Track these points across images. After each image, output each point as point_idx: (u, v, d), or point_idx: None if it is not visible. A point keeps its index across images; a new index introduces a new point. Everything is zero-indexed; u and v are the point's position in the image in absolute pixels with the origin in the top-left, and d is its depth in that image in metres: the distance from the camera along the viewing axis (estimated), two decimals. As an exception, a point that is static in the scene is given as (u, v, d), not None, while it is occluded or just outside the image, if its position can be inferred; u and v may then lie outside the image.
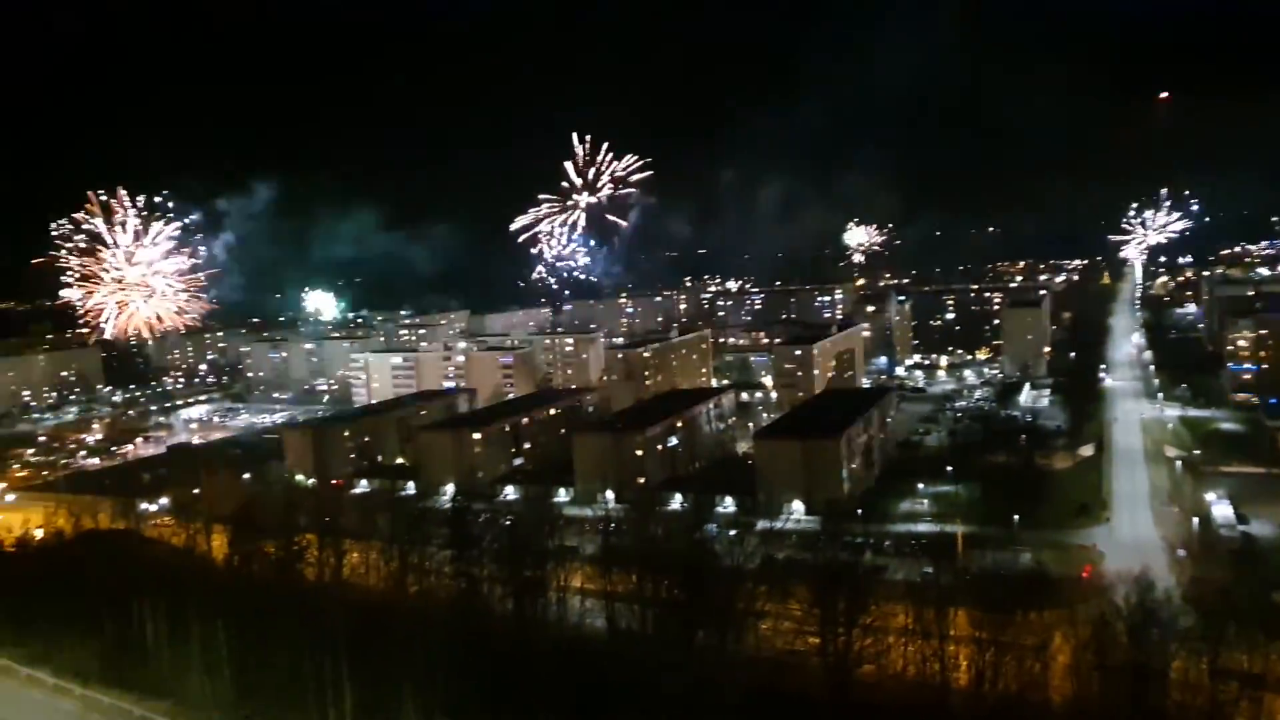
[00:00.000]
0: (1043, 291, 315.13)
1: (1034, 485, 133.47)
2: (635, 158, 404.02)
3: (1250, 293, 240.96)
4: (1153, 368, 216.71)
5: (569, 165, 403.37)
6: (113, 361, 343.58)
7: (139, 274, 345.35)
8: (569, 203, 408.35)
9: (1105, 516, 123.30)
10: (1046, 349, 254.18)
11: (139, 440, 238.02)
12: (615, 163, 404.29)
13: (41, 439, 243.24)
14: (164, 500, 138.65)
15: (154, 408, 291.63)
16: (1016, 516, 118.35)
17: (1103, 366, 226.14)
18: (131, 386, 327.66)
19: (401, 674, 62.15)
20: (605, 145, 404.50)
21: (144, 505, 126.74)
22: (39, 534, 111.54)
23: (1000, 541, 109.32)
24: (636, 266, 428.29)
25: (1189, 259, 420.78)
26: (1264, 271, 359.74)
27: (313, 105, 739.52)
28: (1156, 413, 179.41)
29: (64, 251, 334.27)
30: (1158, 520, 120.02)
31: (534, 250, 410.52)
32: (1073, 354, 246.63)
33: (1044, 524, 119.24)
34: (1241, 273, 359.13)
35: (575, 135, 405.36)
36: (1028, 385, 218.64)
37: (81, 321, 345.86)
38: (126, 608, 78.54)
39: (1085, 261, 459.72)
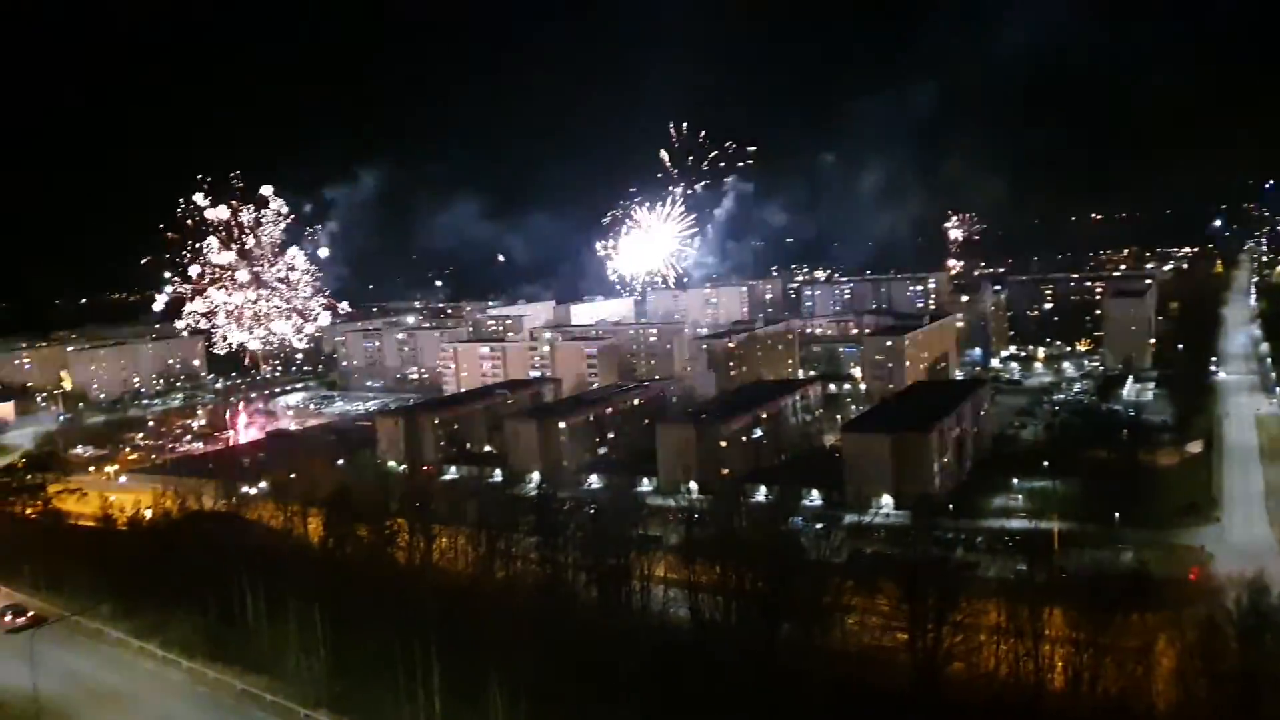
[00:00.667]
0: (1148, 280, 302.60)
1: (1137, 482, 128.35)
2: (731, 144, 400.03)
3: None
4: (1270, 361, 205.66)
5: (664, 155, 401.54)
6: (215, 351, 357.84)
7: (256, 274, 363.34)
8: (664, 193, 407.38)
9: (1215, 516, 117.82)
10: (1152, 340, 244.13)
11: (240, 426, 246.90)
12: (712, 151, 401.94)
13: (150, 424, 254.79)
14: (263, 484, 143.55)
15: (253, 395, 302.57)
16: (1117, 514, 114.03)
17: (1214, 359, 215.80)
18: (232, 374, 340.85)
19: (488, 656, 62.88)
20: (702, 133, 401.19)
21: (244, 488, 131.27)
22: (148, 514, 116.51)
23: (1100, 540, 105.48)
24: (728, 256, 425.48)
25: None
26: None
27: (422, 94, 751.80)
28: (1273, 408, 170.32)
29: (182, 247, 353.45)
30: (1273, 521, 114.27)
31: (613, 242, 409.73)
32: (1180, 346, 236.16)
33: (1148, 523, 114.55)
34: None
35: (672, 125, 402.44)
36: (1131, 378, 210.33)
37: (193, 323, 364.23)
38: (228, 586, 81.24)
39: (1195, 249, 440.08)
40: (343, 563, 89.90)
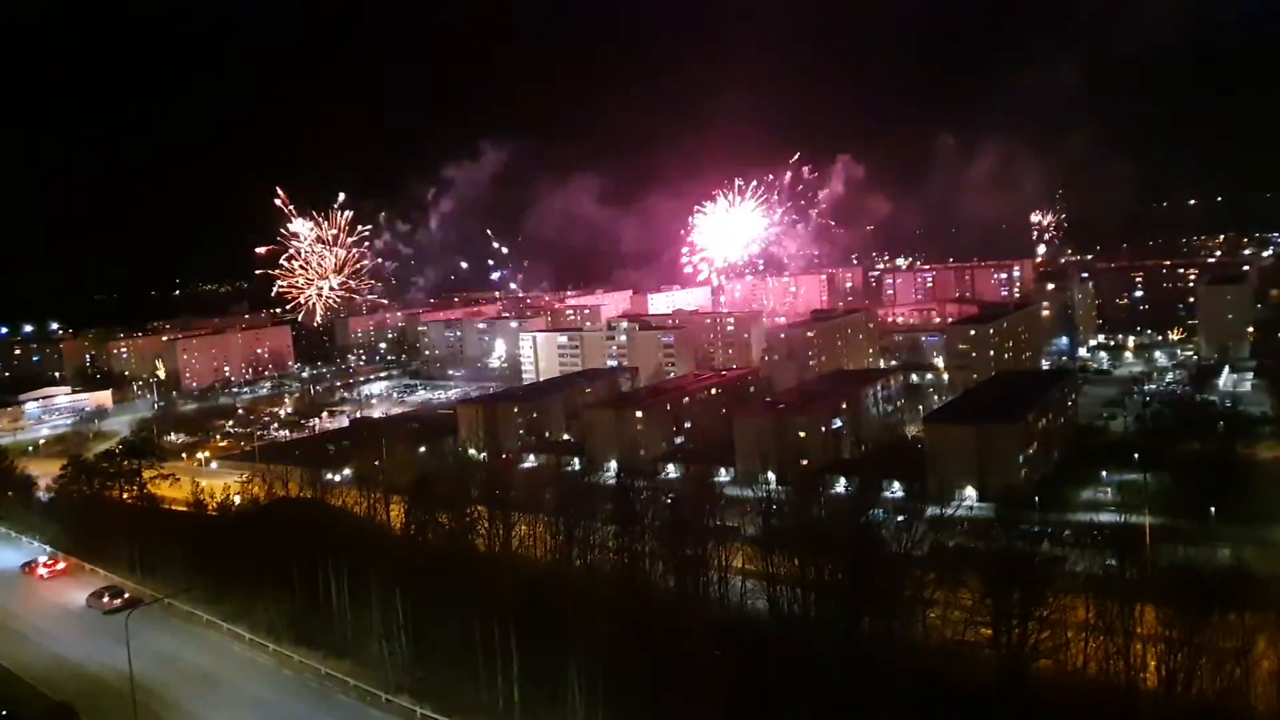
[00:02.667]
0: (1246, 267, 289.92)
1: (1234, 476, 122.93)
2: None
3: None
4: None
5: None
6: (301, 340, 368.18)
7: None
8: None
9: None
10: (1250, 329, 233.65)
11: (324, 414, 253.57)
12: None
13: (239, 411, 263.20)
14: (347, 471, 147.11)
15: (338, 384, 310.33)
16: (1213, 509, 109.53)
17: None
18: (318, 363, 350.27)
19: (566, 645, 63.36)
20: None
21: (329, 475, 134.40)
22: (236, 499, 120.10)
23: (1194, 536, 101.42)
24: (823, 242, 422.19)
25: None
26: None
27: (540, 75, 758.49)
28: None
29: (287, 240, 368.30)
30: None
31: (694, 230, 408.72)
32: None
33: (1246, 518, 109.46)
34: None
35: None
36: (1227, 368, 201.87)
37: (289, 306, 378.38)
38: (312, 571, 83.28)
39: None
40: (423, 549, 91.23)
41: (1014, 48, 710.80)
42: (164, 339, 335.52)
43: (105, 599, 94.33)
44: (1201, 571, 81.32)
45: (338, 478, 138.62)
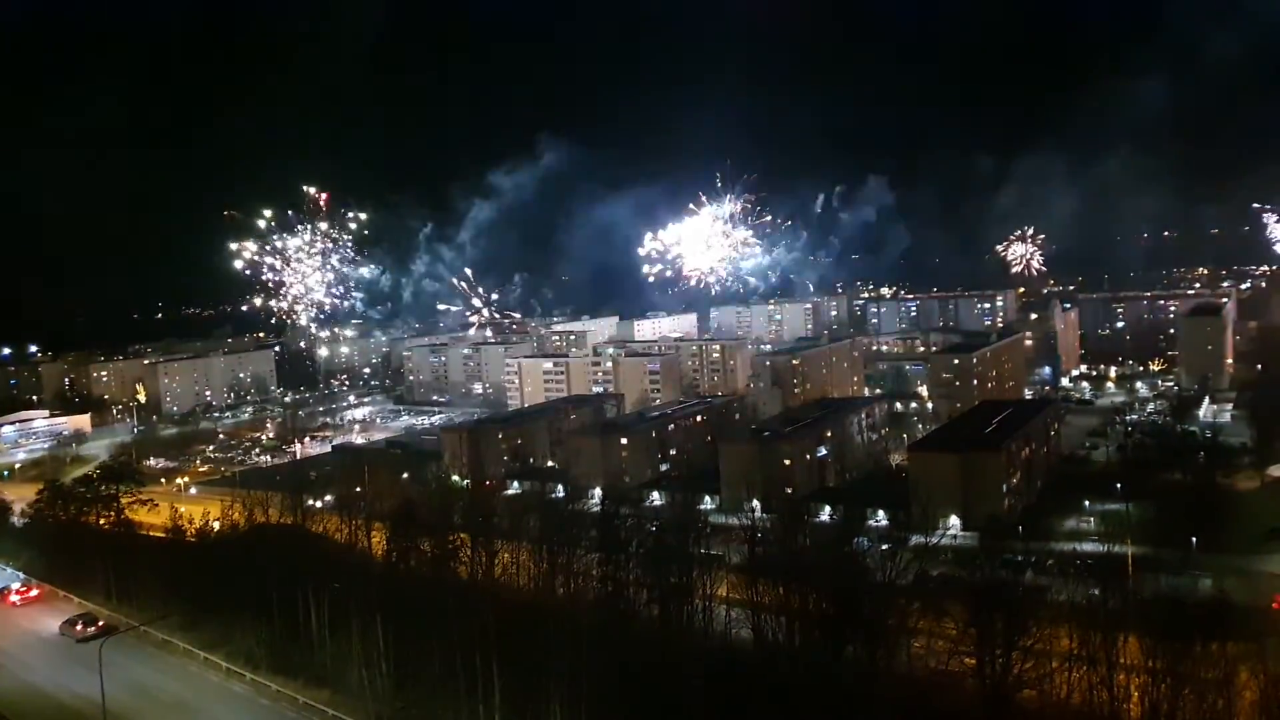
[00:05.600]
0: (1225, 299, 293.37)
1: (1215, 506, 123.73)
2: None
3: None
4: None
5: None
6: (284, 364, 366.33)
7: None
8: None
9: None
10: (1229, 360, 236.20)
11: (306, 439, 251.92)
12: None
13: (220, 436, 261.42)
14: (328, 497, 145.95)
15: (320, 409, 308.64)
16: (1195, 539, 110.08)
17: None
18: (301, 388, 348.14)
19: (549, 674, 62.76)
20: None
21: (310, 501, 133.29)
22: (216, 525, 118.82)
23: (1176, 565, 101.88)
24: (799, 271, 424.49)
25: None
26: None
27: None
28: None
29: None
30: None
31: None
32: (1260, 366, 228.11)
33: (1227, 548, 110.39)
34: None
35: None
36: (1207, 399, 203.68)
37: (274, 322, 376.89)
38: (292, 599, 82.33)
39: (1275, 267, 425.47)
40: (405, 577, 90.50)
41: (999, 80, 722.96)
42: (144, 362, 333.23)
43: (79, 627, 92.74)
44: (1184, 601, 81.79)
45: (319, 504, 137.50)
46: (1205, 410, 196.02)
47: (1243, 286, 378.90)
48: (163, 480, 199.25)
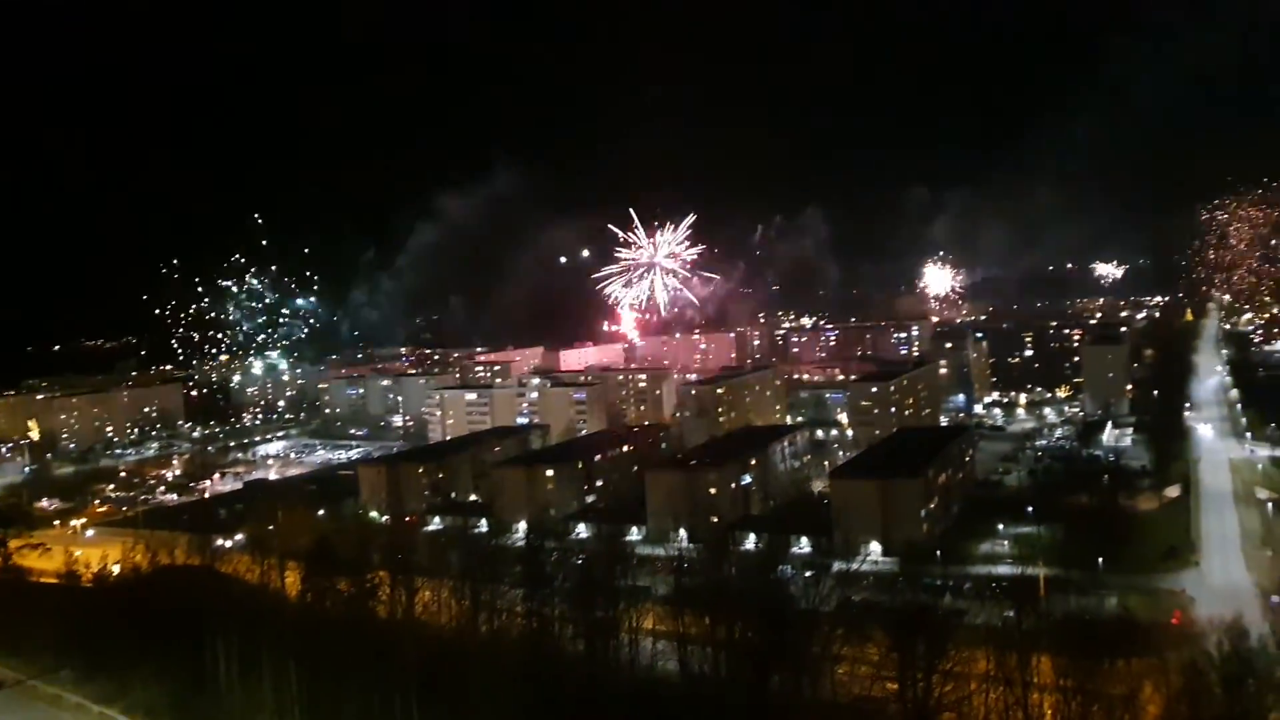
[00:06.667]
0: (1124, 328, 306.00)
1: (1118, 527, 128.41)
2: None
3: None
4: (1239, 406, 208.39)
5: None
6: (194, 398, 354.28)
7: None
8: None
9: (1194, 560, 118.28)
10: (1129, 387, 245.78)
11: (216, 476, 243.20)
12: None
13: (122, 474, 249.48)
14: (239, 536, 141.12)
15: (232, 444, 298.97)
16: (1101, 559, 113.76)
17: (1187, 404, 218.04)
18: (211, 423, 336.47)
19: (473, 714, 61.54)
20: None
21: (219, 541, 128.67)
22: (116, 569, 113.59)
23: (1084, 585, 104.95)
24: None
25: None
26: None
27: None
28: (1245, 453, 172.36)
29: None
30: (1249, 564, 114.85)
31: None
32: (1156, 392, 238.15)
33: (1130, 567, 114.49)
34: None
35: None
36: (1110, 424, 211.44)
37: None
38: (199, 645, 79.13)
39: (1167, 298, 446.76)
40: (321, 618, 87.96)
41: (912, 121, 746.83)
42: (39, 397, 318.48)
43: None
44: (1092, 621, 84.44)
45: (229, 543, 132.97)
46: (1108, 435, 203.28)
47: (1139, 316, 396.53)
48: (56, 522, 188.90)
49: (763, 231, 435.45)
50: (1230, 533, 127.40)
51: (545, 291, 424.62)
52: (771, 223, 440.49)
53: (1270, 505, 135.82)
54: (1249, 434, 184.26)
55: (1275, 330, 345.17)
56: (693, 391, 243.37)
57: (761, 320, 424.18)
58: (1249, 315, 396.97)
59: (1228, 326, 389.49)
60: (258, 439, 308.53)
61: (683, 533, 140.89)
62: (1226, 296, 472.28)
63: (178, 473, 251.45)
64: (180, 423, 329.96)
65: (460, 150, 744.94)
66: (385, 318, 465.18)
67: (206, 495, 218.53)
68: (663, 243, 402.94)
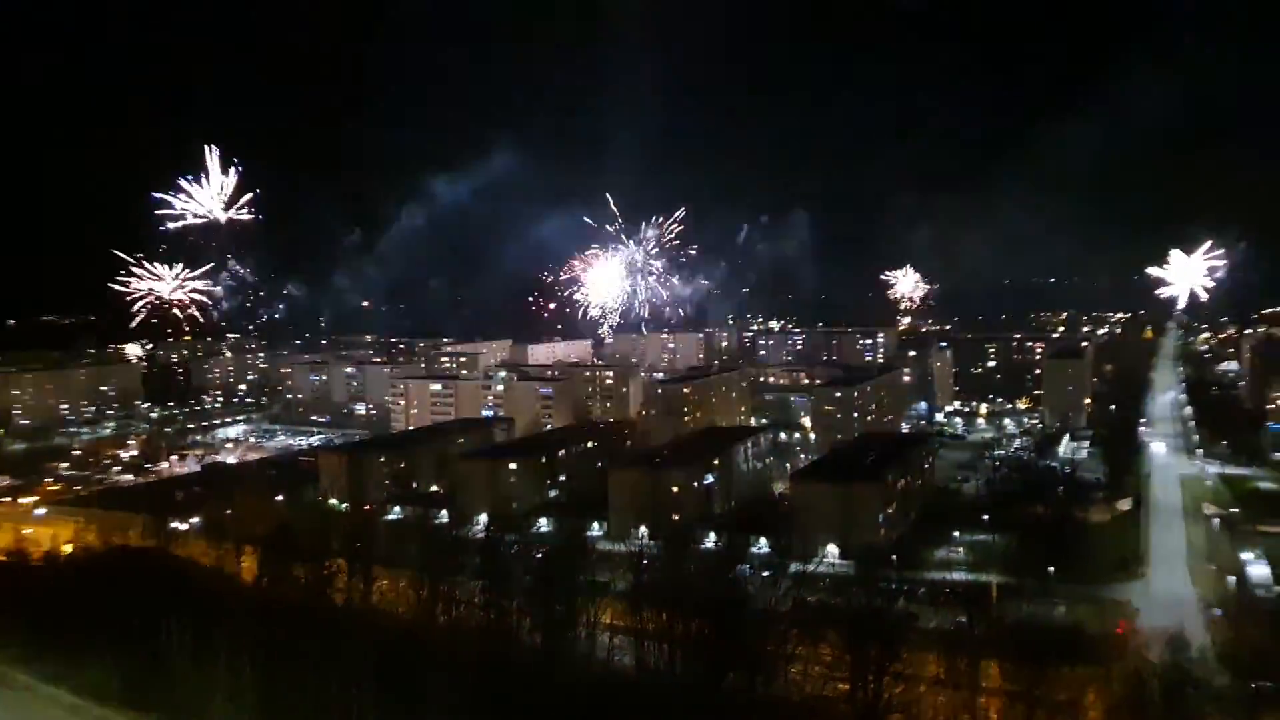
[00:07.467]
0: (1085, 343, 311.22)
1: (1070, 537, 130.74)
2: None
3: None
4: (1193, 423, 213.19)
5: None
6: (153, 378, 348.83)
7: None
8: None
9: (1141, 572, 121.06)
10: (1087, 401, 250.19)
11: (174, 458, 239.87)
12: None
13: (76, 453, 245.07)
14: (195, 519, 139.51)
15: (191, 426, 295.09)
16: (1052, 568, 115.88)
17: (1142, 420, 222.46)
18: (170, 404, 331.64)
19: (427, 705, 61.59)
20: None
21: (175, 524, 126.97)
22: (67, 549, 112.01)
23: (1035, 593, 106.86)
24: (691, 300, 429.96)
25: (1229, 316, 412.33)
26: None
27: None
28: (1195, 469, 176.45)
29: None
30: (1194, 578, 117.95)
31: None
32: (1113, 407, 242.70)
33: (1079, 577, 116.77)
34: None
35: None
36: (1067, 436, 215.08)
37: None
38: (152, 627, 78.13)
39: (1128, 314, 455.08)
40: (277, 604, 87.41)
41: (885, 133, 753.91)
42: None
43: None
44: (1040, 628, 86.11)
45: (185, 526, 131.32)
46: (1065, 447, 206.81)
47: (1100, 332, 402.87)
48: (6, 499, 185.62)
49: (745, 233, 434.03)
50: (1177, 547, 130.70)
51: (520, 285, 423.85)
52: (743, 228, 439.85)
53: (1216, 521, 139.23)
54: (1200, 450, 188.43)
55: (1228, 350, 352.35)
56: (659, 390, 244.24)
57: (730, 321, 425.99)
58: (1205, 334, 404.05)
59: (1184, 345, 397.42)
60: (217, 422, 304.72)
61: (644, 530, 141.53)
62: (1185, 315, 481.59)
63: (134, 453, 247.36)
64: (138, 403, 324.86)
65: (444, 140, 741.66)
66: (357, 308, 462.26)
67: (163, 477, 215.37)
68: (644, 239, 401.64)
